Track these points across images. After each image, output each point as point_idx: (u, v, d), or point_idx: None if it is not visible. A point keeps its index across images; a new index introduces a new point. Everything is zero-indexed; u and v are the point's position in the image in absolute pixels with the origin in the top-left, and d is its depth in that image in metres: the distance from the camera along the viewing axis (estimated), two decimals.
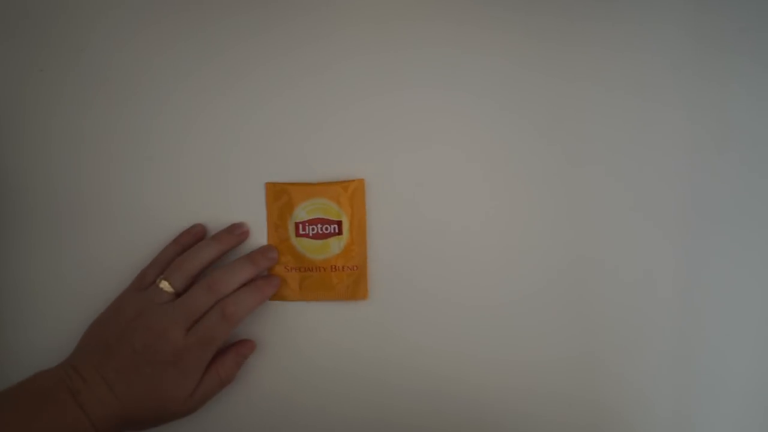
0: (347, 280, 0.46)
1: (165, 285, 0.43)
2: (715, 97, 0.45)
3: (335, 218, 0.46)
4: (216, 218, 0.47)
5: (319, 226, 0.46)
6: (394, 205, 0.46)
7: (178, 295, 0.43)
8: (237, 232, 0.46)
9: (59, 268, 0.47)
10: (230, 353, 0.44)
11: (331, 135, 0.46)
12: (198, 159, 0.47)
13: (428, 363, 0.46)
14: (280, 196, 0.46)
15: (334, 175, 0.46)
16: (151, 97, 0.47)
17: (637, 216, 0.46)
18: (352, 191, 0.46)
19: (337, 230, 0.46)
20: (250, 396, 0.46)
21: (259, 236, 0.47)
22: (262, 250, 0.46)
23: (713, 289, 0.45)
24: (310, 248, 0.46)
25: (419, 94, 0.46)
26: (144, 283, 0.44)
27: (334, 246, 0.46)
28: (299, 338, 0.47)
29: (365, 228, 0.46)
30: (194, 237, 0.46)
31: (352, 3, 0.47)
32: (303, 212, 0.46)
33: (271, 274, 0.46)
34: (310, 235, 0.46)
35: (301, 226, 0.46)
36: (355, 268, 0.46)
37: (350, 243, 0.46)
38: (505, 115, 0.46)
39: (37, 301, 0.47)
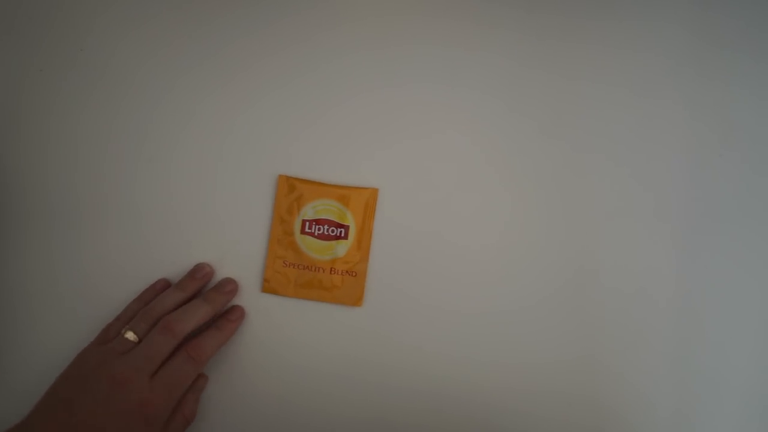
0: (343, 285, 0.46)
1: (130, 335, 0.42)
2: (716, 96, 0.46)
3: (343, 222, 0.46)
4: (216, 217, 0.46)
5: (326, 227, 0.46)
6: (391, 209, 0.46)
7: None
8: (199, 275, 0.45)
9: (56, 268, 0.46)
10: (188, 392, 0.44)
11: (328, 133, 0.47)
12: (197, 158, 0.46)
13: (427, 364, 0.45)
14: (292, 191, 0.46)
15: (331, 172, 0.46)
16: (150, 97, 0.47)
17: (637, 215, 0.46)
18: (365, 199, 0.46)
19: (343, 234, 0.46)
20: (245, 398, 0.45)
21: (262, 228, 0.46)
22: (218, 287, 0.46)
23: (713, 289, 0.46)
24: (313, 247, 0.46)
25: (419, 94, 0.46)
26: (108, 336, 0.43)
27: (338, 249, 0.46)
28: (296, 341, 0.46)
29: (371, 238, 0.46)
30: (158, 292, 0.45)
31: (354, 1, 0.47)
32: (312, 210, 0.46)
33: (235, 307, 0.46)
34: (315, 234, 0.46)
35: (307, 224, 0.46)
36: (354, 274, 0.46)
37: (353, 249, 0.46)
38: (505, 115, 0.46)
39: (34, 302, 0.46)
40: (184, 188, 0.46)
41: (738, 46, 0.46)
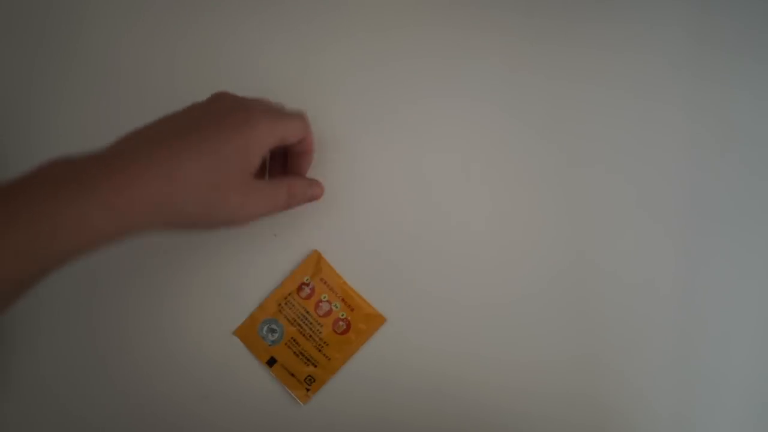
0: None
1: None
2: (715, 97, 0.45)
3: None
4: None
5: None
6: (394, 205, 0.46)
7: None
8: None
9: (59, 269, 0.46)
10: (305, 179, 0.42)
11: (328, 133, 0.45)
12: None
13: (429, 362, 0.45)
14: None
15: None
16: (152, 97, 0.46)
17: (637, 216, 0.45)
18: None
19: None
20: (247, 395, 0.45)
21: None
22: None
23: (713, 289, 0.45)
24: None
25: (419, 95, 0.46)
26: None
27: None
28: None
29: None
30: None
31: (354, 9, 0.46)
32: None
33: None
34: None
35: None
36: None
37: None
38: (505, 116, 0.45)
39: (36, 302, 0.46)
40: None
41: (738, 47, 0.45)
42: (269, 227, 0.45)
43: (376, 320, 0.44)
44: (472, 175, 0.46)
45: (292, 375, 0.44)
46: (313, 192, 0.43)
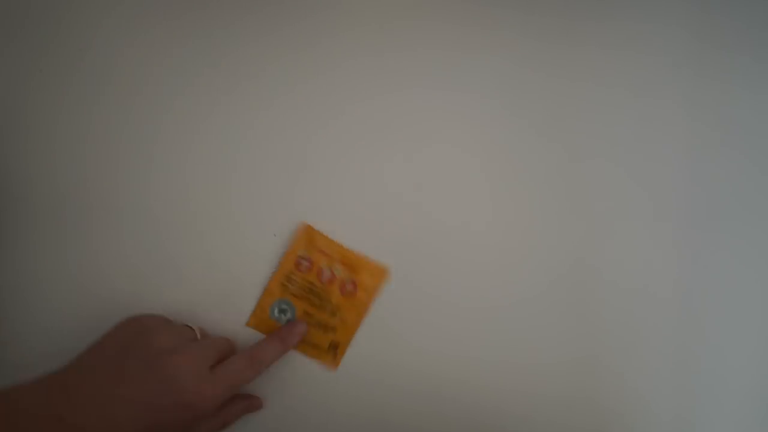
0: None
1: (196, 328, 0.41)
2: (716, 95, 0.45)
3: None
4: (218, 219, 0.46)
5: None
6: (392, 206, 0.46)
7: None
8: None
9: (63, 270, 0.45)
10: (241, 402, 0.43)
11: (329, 131, 0.46)
12: (202, 160, 0.45)
13: (428, 365, 0.45)
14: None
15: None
16: (154, 98, 0.45)
17: (637, 215, 0.46)
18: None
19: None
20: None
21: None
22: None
23: (714, 289, 0.45)
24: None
25: (419, 94, 0.45)
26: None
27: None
28: None
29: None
30: None
31: (354, 5, 0.45)
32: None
33: (296, 321, 0.45)
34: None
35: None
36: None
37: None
38: (506, 113, 0.45)
39: (41, 302, 0.45)
40: (193, 190, 0.45)
41: (738, 46, 0.45)
42: (269, 227, 0.45)
43: (380, 273, 0.45)
44: (471, 176, 0.46)
45: (316, 346, 0.45)
46: (251, 408, 0.44)
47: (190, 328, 0.41)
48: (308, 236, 0.45)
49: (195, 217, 0.45)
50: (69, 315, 0.45)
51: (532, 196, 0.45)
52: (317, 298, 0.45)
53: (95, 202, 0.45)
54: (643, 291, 0.45)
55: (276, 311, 0.45)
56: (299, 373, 0.45)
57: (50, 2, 0.45)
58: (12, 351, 0.45)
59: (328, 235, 0.45)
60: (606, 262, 0.45)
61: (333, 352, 0.45)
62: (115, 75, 0.45)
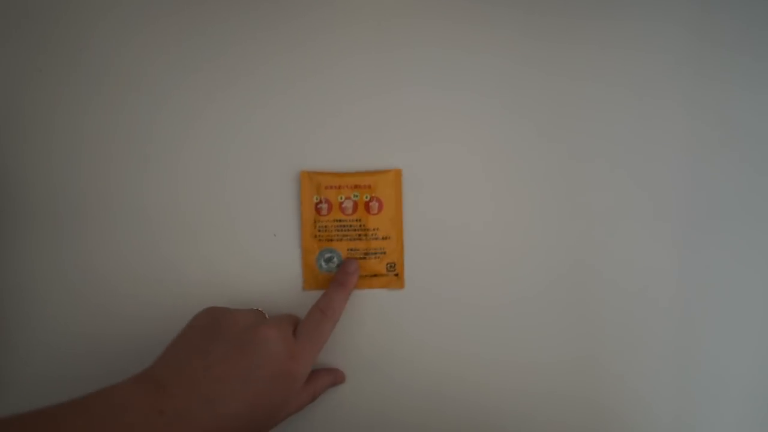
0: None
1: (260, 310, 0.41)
2: (716, 95, 0.45)
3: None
4: (218, 219, 0.45)
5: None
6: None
7: None
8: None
9: (60, 268, 0.45)
10: (327, 375, 0.43)
11: (330, 134, 0.45)
12: (199, 159, 0.45)
13: (429, 362, 0.45)
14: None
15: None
16: (152, 97, 0.45)
17: (638, 215, 0.45)
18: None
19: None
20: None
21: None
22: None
23: (714, 289, 0.45)
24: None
25: (420, 93, 0.45)
26: None
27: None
28: None
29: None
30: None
31: (353, 2, 0.45)
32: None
33: (349, 261, 0.44)
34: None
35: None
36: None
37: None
38: (505, 115, 0.45)
39: (38, 301, 0.45)
40: (190, 189, 0.45)
41: (738, 46, 0.45)
42: (268, 226, 0.45)
43: (395, 176, 0.45)
44: (471, 175, 0.45)
45: (376, 275, 0.44)
46: (336, 383, 0.44)
47: (258, 310, 0.41)
48: (312, 180, 0.44)
49: (193, 217, 0.45)
50: (66, 316, 0.44)
51: (532, 194, 0.45)
52: (352, 231, 0.44)
53: (92, 202, 0.45)
54: (644, 291, 0.45)
55: (323, 263, 0.44)
56: None
57: (48, 2, 0.45)
58: (8, 352, 0.45)
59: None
60: (606, 262, 0.45)
61: (394, 271, 0.44)
62: (112, 74, 0.45)
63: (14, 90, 0.46)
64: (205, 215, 0.45)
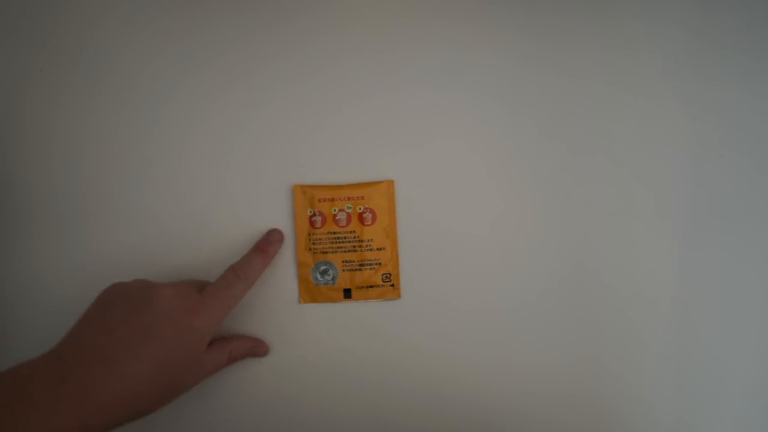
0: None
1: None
2: (716, 95, 0.44)
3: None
4: (218, 219, 0.46)
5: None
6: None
7: None
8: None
9: (60, 269, 0.46)
10: (248, 341, 0.44)
11: (330, 134, 0.45)
12: (200, 159, 0.46)
13: (429, 365, 0.45)
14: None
15: (334, 175, 0.46)
16: (153, 97, 0.46)
17: (637, 216, 0.45)
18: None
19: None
20: (250, 394, 0.46)
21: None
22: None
23: (714, 289, 0.45)
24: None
25: (420, 93, 0.45)
26: None
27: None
28: (300, 339, 0.46)
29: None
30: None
31: (354, 1, 0.45)
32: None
33: (273, 230, 0.45)
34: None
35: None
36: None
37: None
38: (505, 115, 0.45)
39: (39, 301, 0.46)
40: (190, 189, 0.46)
41: (738, 46, 0.44)
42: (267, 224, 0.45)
43: (387, 187, 0.44)
44: (470, 177, 0.45)
45: (372, 286, 0.44)
46: (257, 352, 0.44)
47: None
48: (305, 194, 0.44)
49: (194, 216, 0.45)
50: (66, 316, 0.45)
51: (532, 194, 0.45)
52: (347, 243, 0.44)
53: (92, 202, 0.46)
54: (644, 291, 0.45)
55: (318, 276, 0.44)
56: (299, 372, 0.45)
57: (48, 2, 0.46)
58: (9, 352, 0.46)
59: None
60: (607, 262, 0.45)
61: (389, 282, 0.44)
62: (112, 74, 0.46)
63: (15, 90, 0.46)
64: (204, 217, 0.46)
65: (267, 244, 0.44)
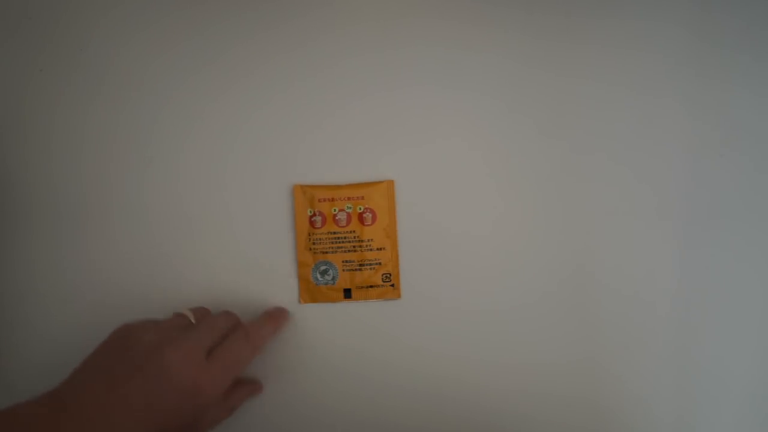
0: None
1: (187, 312, 0.40)
2: (716, 94, 0.44)
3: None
4: (218, 219, 0.46)
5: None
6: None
7: None
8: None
9: (60, 269, 0.46)
10: (245, 386, 0.43)
11: (330, 134, 0.45)
12: (200, 159, 0.46)
13: (429, 365, 0.45)
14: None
15: (335, 175, 0.46)
16: (152, 97, 0.46)
17: (638, 215, 0.45)
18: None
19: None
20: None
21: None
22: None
23: (715, 290, 0.45)
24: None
25: (420, 93, 0.45)
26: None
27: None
28: (300, 339, 0.46)
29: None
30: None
31: (354, 2, 0.45)
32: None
33: (280, 307, 0.45)
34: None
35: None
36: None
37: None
38: (506, 115, 0.45)
39: (38, 302, 0.46)
40: (190, 190, 0.46)
41: (738, 46, 0.44)
42: (267, 224, 0.46)
43: (387, 187, 0.44)
44: (470, 178, 0.45)
45: (372, 286, 0.44)
46: (254, 392, 0.44)
47: (183, 315, 0.40)
48: (305, 194, 0.44)
49: (193, 217, 0.46)
50: (66, 316, 0.45)
51: (533, 195, 0.45)
52: (347, 243, 0.44)
53: (92, 202, 0.46)
54: (644, 291, 0.45)
55: (318, 276, 0.44)
56: (298, 373, 0.45)
57: (48, 2, 0.46)
58: (8, 352, 0.46)
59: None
60: (607, 262, 0.45)
61: (389, 282, 0.44)
62: (112, 74, 0.46)
63: (15, 90, 0.46)
64: (204, 217, 0.46)
65: (279, 311, 0.44)
